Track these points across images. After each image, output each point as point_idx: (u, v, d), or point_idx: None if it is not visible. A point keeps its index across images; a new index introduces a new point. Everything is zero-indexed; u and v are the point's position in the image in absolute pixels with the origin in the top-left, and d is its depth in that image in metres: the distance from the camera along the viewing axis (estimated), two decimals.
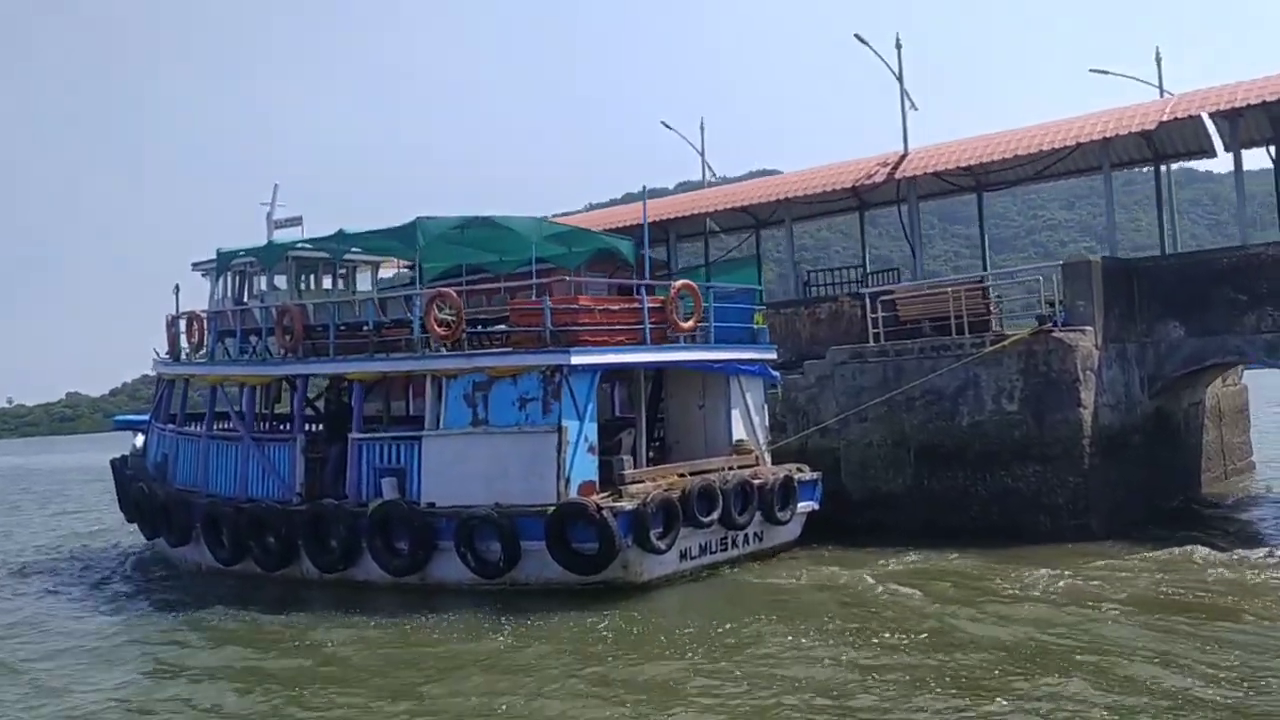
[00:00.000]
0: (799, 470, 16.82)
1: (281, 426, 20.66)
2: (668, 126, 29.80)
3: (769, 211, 26.22)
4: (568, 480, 14.12)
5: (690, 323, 15.84)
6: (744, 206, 25.61)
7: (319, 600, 15.21)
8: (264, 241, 20.61)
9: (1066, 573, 13.53)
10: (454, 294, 15.28)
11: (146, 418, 25.25)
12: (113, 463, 22.31)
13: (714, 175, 30.09)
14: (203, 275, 22.92)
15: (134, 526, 22.24)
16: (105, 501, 34.56)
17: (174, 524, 18.02)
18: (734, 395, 16.98)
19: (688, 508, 14.23)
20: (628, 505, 13.64)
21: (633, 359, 15.20)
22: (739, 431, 16.98)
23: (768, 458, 17.22)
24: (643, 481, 14.58)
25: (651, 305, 15.47)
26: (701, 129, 29.98)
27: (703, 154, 29.92)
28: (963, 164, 20.65)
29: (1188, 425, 20.65)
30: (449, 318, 15.25)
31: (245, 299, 21.84)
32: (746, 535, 15.62)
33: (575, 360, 14.25)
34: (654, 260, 27.19)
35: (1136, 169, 25.43)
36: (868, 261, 26.92)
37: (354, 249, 19.40)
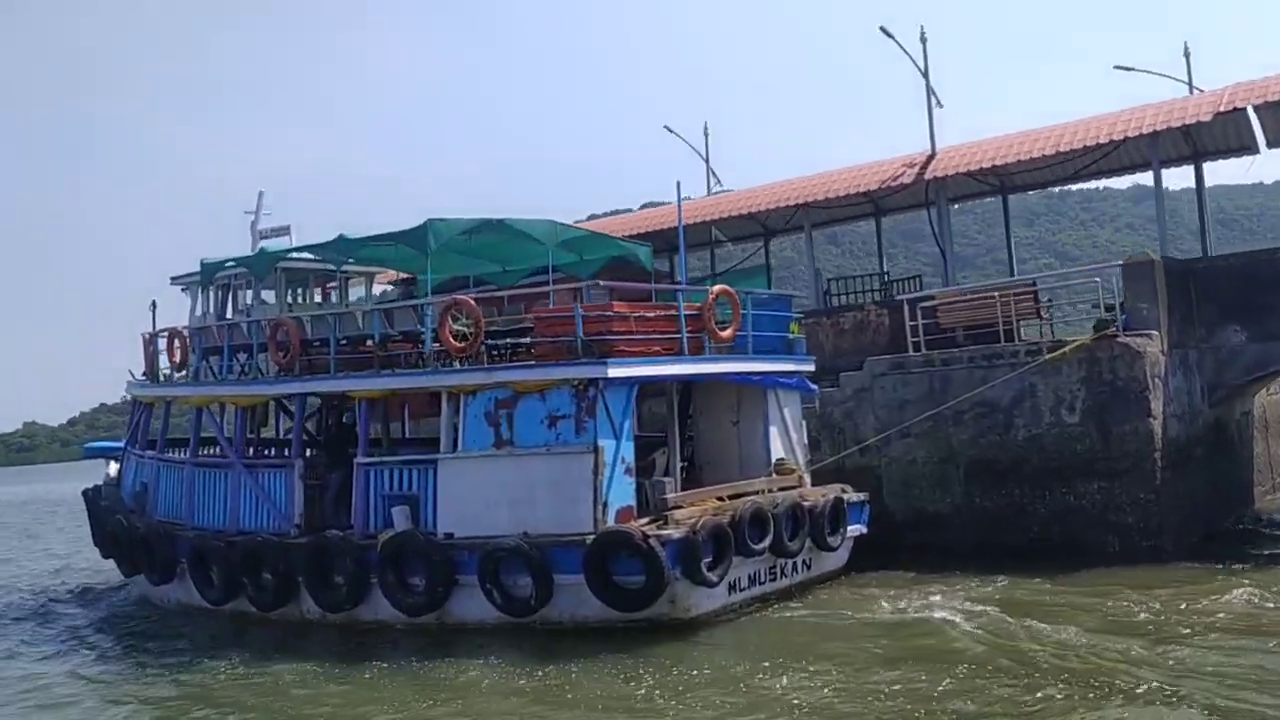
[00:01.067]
0: (844, 491, 15.58)
1: (266, 451, 19.22)
2: (671, 131, 28.68)
3: (784, 218, 25.10)
4: (605, 506, 12.82)
5: (729, 331, 14.59)
6: (753, 213, 24.47)
7: (322, 644, 13.80)
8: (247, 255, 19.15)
9: (1171, 601, 12.33)
10: (471, 302, 13.95)
11: (120, 445, 23.69)
12: (85, 493, 20.71)
13: (719, 183, 28.97)
14: (182, 290, 21.46)
15: (109, 562, 20.70)
16: (76, 535, 32.76)
17: (156, 560, 16.50)
18: (771, 410, 15.74)
19: (739, 535, 12.94)
20: (675, 533, 12.33)
21: (671, 371, 13.93)
22: (778, 450, 15.73)
23: (808, 478, 15.97)
24: (684, 506, 13.29)
25: (688, 313, 14.23)
26: (705, 134, 28.88)
27: (707, 160, 28.82)
28: (998, 162, 19.61)
29: (1240, 436, 19.67)
30: (465, 329, 13.93)
31: (229, 315, 20.40)
32: (795, 563, 14.35)
33: (612, 373, 12.96)
34: (657, 272, 26.03)
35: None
36: (883, 269, 25.92)
37: (350, 259, 17.97)
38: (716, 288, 14.60)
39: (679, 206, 15.15)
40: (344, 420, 16.02)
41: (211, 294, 20.87)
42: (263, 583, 14.94)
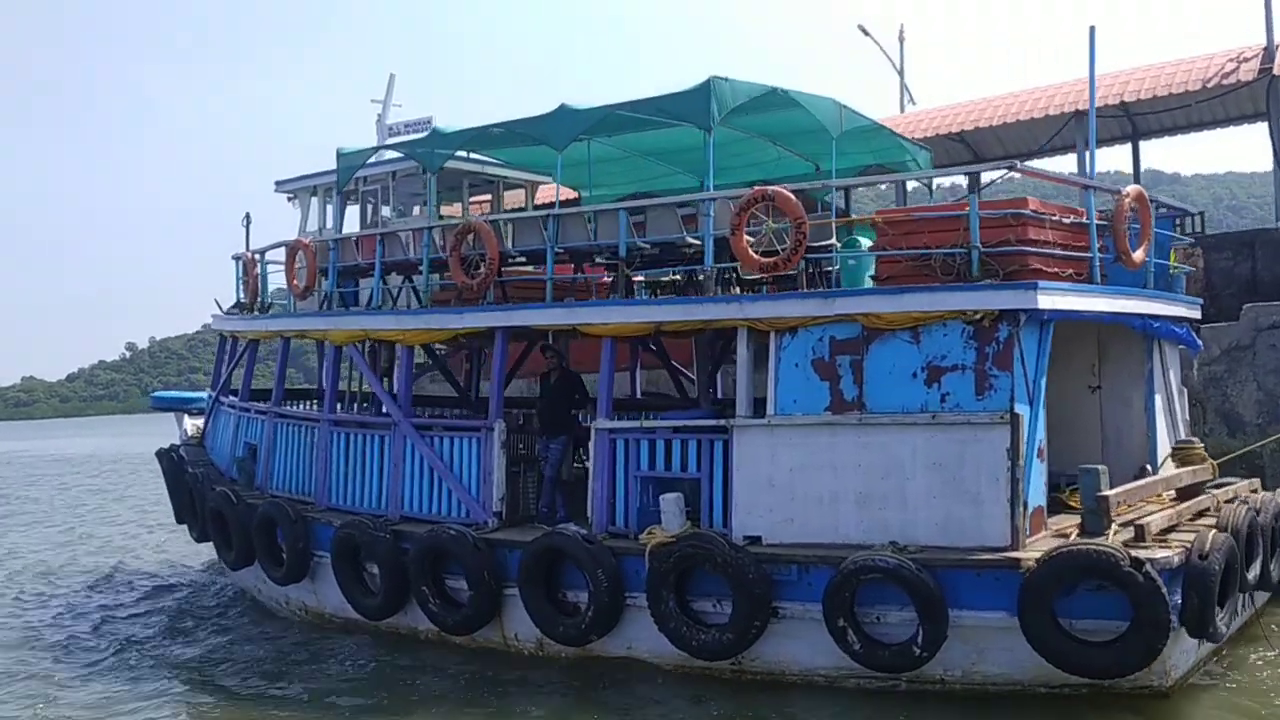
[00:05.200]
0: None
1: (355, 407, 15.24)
2: (865, 33, 24.28)
3: (1017, 139, 20.76)
4: (1025, 506, 8.76)
5: (1140, 253, 10.39)
6: (964, 132, 20.33)
7: (554, 691, 9.91)
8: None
9: None
10: (789, 195, 9.81)
11: (194, 395, 19.86)
12: (163, 456, 16.78)
13: (911, 100, 24.58)
14: (289, 199, 17.50)
15: (173, 543, 17.00)
16: (132, 504, 28.97)
17: (285, 551, 12.59)
18: (1155, 371, 11.55)
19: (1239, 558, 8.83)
20: (1174, 556, 8.20)
21: (1102, 306, 9.78)
22: (1163, 428, 11.58)
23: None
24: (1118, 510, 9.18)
25: (1098, 223, 10.09)
26: (900, 41, 24.46)
27: (901, 73, 24.42)
28: None
29: None
30: (776, 237, 9.86)
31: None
32: (1246, 598, 10.24)
33: (1044, 301, 8.85)
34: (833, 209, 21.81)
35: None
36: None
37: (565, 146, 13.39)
38: (1132, 189, 10.35)
39: (1091, 71, 10.73)
40: (567, 367, 11.92)
41: (327, 204, 16.93)
42: (450, 594, 11.00)
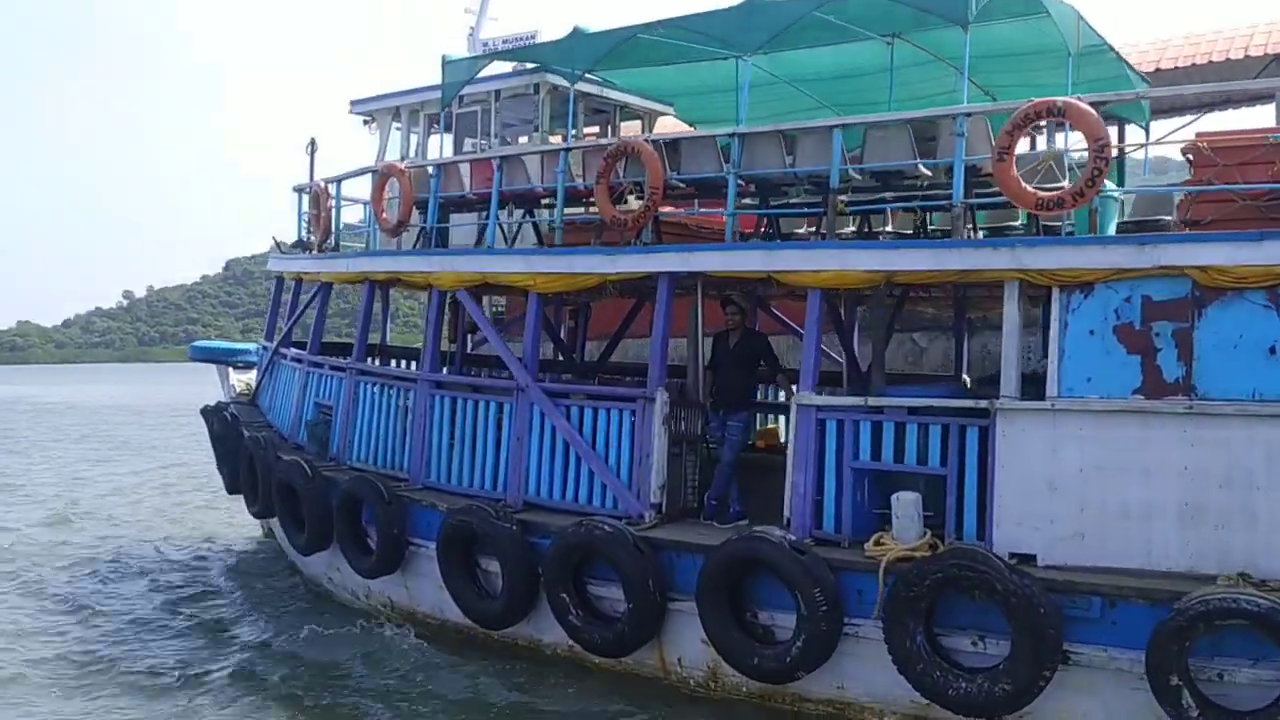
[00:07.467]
0: None
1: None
2: None
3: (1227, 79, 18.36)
4: None
5: None
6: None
7: None
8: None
9: None
10: (1088, 110, 7.58)
11: (238, 346, 17.71)
12: (211, 415, 14.60)
13: None
14: (365, 122, 15.21)
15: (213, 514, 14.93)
16: (160, 466, 26.75)
17: (369, 536, 10.47)
18: None
19: None
20: None
21: None
22: None
23: None
24: None
25: None
26: None
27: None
28: None
29: None
30: (1058, 172, 7.68)
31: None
32: None
33: None
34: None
35: None
36: None
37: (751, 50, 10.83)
38: None
39: None
40: (746, 323, 9.69)
41: (412, 129, 14.70)
42: (601, 607, 8.86)
